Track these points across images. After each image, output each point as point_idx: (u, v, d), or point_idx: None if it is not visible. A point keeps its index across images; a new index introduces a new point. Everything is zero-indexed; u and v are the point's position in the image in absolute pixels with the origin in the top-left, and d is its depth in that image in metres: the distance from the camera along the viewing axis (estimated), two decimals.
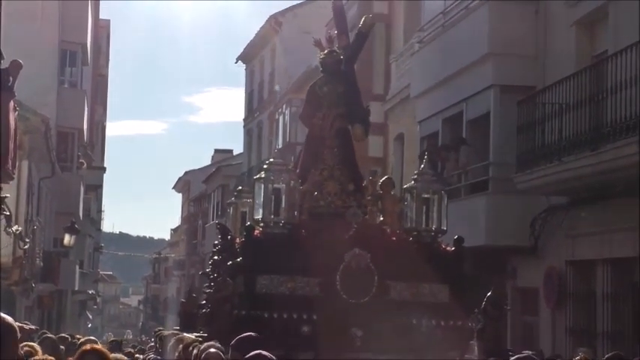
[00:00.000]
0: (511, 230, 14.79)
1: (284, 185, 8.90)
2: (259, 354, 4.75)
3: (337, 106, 9.72)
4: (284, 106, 32.95)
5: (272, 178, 8.92)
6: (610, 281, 12.94)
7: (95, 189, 41.62)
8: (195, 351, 6.84)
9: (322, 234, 8.83)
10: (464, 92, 16.42)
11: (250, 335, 5.68)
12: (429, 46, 18.18)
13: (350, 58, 10.06)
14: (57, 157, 25.82)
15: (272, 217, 8.82)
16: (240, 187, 12.39)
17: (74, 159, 30.30)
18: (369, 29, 10.30)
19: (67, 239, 25.70)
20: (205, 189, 47.91)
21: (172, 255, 64.81)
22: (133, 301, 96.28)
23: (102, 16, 41.14)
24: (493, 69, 15.46)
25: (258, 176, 9.08)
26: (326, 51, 9.97)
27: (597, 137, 12.12)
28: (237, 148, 45.39)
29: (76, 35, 29.59)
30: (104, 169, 44.41)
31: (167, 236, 77.06)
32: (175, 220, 68.03)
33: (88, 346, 4.99)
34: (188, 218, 55.57)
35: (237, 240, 9.39)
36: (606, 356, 8.87)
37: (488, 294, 9.68)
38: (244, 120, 41.64)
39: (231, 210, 10.98)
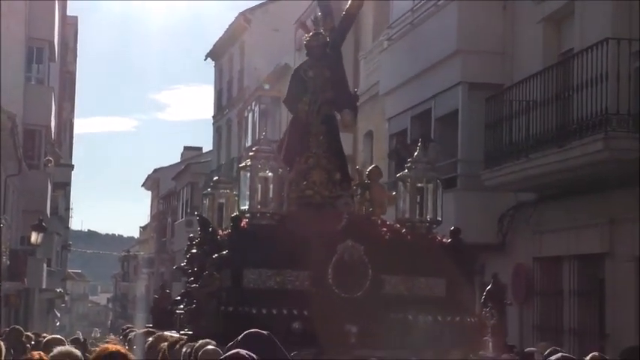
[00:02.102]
0: (479, 227, 14.84)
1: (271, 174, 8.43)
2: (237, 353, 4.47)
3: (323, 91, 9.34)
4: (253, 104, 32.87)
5: (259, 166, 8.43)
6: (577, 277, 13.03)
7: (63, 187, 41.27)
8: (184, 349, 6.43)
9: (313, 225, 8.41)
10: (432, 89, 16.45)
11: (259, 332, 5.07)
12: (398, 44, 18.20)
13: (336, 42, 9.63)
14: (24, 154, 25.58)
15: (259, 207, 8.35)
16: (216, 177, 11.83)
17: (41, 156, 30.03)
18: (357, 10, 9.93)
19: (35, 237, 25.48)
20: (174, 186, 47.70)
21: (141, 253, 64.49)
22: (102, 299, 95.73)
23: (69, 12, 40.86)
24: (461, 66, 15.50)
25: (243, 164, 8.63)
26: (311, 33, 9.55)
27: (564, 134, 12.19)
28: (207, 145, 45.27)
29: (43, 32, 29.32)
30: (72, 167, 44.08)
31: (136, 234, 76.76)
32: (144, 218, 67.78)
33: (111, 347, 4.51)
34: (157, 216, 55.31)
35: (220, 232, 8.98)
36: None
37: (488, 287, 9.29)
38: (213, 117, 41.50)
39: (207, 201, 10.48)
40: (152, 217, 59.52)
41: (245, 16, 35.65)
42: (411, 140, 17.29)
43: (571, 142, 11.82)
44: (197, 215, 10.31)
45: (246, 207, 8.44)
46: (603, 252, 12.39)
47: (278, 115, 31.53)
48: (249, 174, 8.46)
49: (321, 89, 9.35)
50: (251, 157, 8.56)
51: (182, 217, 43.81)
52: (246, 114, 34.02)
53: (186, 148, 53.44)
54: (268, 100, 32.14)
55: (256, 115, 32.37)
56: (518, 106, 13.47)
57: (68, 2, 39.04)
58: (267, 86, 31.09)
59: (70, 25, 41.85)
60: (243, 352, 4.41)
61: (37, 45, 29.35)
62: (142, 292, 59.65)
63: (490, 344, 8.61)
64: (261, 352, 4.40)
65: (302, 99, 9.40)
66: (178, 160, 52.93)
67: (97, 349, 4.79)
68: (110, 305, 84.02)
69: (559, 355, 5.60)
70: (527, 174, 13.04)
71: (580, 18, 13.19)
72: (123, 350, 4.59)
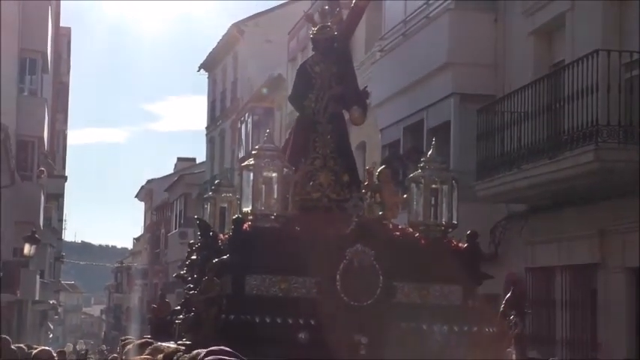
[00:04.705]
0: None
1: (276, 174, 7.89)
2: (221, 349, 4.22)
3: (331, 87, 8.82)
4: (246, 115, 32.93)
5: (262, 165, 7.88)
6: (569, 288, 13.06)
7: (56, 198, 41.24)
8: None
9: (320, 228, 7.85)
10: (424, 101, 16.51)
11: (224, 350, 4.66)
12: (390, 55, 18.26)
13: (344, 35, 9.11)
14: (17, 165, 25.57)
15: (262, 209, 7.81)
16: (218, 181, 11.35)
17: (34, 168, 30.01)
18: (367, 2, 9.20)
19: (27, 249, 25.43)
20: (168, 197, 47.69)
21: (135, 264, 64.39)
22: (96, 310, 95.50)
23: (63, 23, 40.86)
24: (453, 78, 15.57)
25: (246, 163, 8.12)
26: (318, 26, 8.99)
27: (555, 145, 12.24)
28: (201, 156, 45.29)
29: (36, 43, 29.34)
30: (65, 178, 44.05)
31: (130, 245, 76.60)
32: (138, 229, 67.71)
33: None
34: (151, 227, 55.26)
35: (222, 236, 8.47)
36: None
37: (508, 296, 8.86)
38: (207, 128, 41.55)
39: (208, 206, 9.90)
40: (146, 228, 59.46)
41: (238, 28, 35.75)
42: (404, 151, 17.37)
43: (562, 153, 11.88)
44: (197, 219, 9.65)
45: (249, 209, 7.89)
46: (595, 262, 12.44)
47: (271, 126, 31.56)
48: (252, 174, 7.90)
49: (328, 85, 8.83)
50: (254, 156, 8.00)
51: (175, 229, 43.80)
52: (239, 125, 34.07)
53: (179, 159, 53.44)
54: (261, 111, 32.21)
55: (249, 126, 32.42)
56: (509, 117, 13.53)
57: (61, 13, 39.09)
58: (265, 90, 31.08)
59: (63, 36, 41.88)
60: (226, 349, 4.20)
61: (30, 56, 29.36)
62: (135, 303, 59.54)
63: (513, 355, 8.25)
64: None
65: (308, 96, 8.88)
66: (172, 171, 52.94)
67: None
68: (104, 317, 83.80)
69: None
70: (519, 185, 13.08)
71: (570, 30, 13.27)
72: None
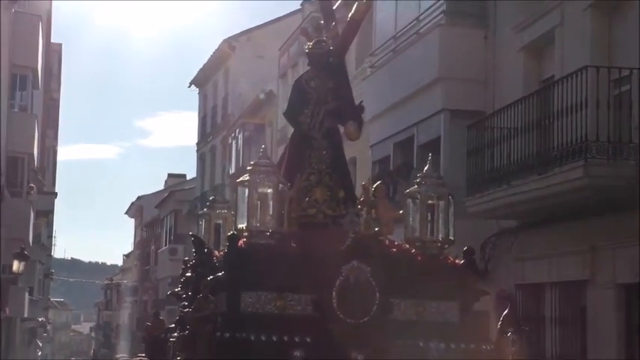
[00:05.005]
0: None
1: (271, 190, 7.86)
2: None
3: (326, 102, 8.78)
4: (237, 131, 32.91)
5: (258, 181, 7.85)
6: (558, 305, 13.04)
7: (46, 214, 41.05)
8: None
9: (315, 244, 7.83)
10: (414, 117, 16.52)
11: None
12: (380, 71, 18.28)
13: (340, 50, 9.04)
14: (6, 181, 25.44)
15: (257, 225, 7.79)
16: (212, 197, 11.27)
17: (24, 184, 29.87)
18: (362, 16, 9.12)
19: (16, 266, 25.30)
20: (158, 214, 47.57)
21: (125, 281, 64.16)
22: (85, 328, 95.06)
23: (54, 39, 40.84)
24: (443, 94, 15.58)
25: (241, 179, 8.07)
26: (313, 41, 8.98)
27: (545, 161, 12.24)
28: (191, 172, 45.21)
29: (27, 59, 29.24)
30: (55, 194, 43.88)
31: (120, 262, 76.35)
32: (128, 246, 67.48)
33: None
34: (141, 243, 55.11)
35: (217, 253, 8.47)
36: None
37: (505, 312, 8.63)
38: (197, 144, 41.51)
39: (203, 222, 9.84)
40: (135, 244, 59.29)
41: (229, 43, 35.79)
42: (394, 167, 17.36)
43: (552, 169, 11.88)
44: (192, 236, 9.52)
45: (244, 225, 7.86)
46: (585, 279, 12.42)
47: (262, 142, 31.53)
48: (247, 190, 7.87)
49: (324, 100, 8.80)
50: (249, 172, 8.00)
51: (166, 245, 43.66)
52: (230, 141, 34.05)
53: (170, 176, 53.33)
54: (252, 128, 32.20)
55: (240, 142, 32.40)
56: (499, 133, 13.54)
57: (52, 29, 39.06)
58: (262, 96, 30.98)
59: (54, 52, 41.82)
60: None
61: (21, 72, 29.26)
62: (125, 320, 59.29)
63: None
64: None
65: (303, 111, 8.85)
66: (162, 187, 52.84)
67: None
68: (93, 334, 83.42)
69: None
70: (509, 201, 13.07)
71: (560, 46, 13.31)
72: None
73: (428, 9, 16.64)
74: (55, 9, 40.49)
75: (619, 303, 11.82)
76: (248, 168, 8.14)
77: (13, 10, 27.69)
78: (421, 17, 16.95)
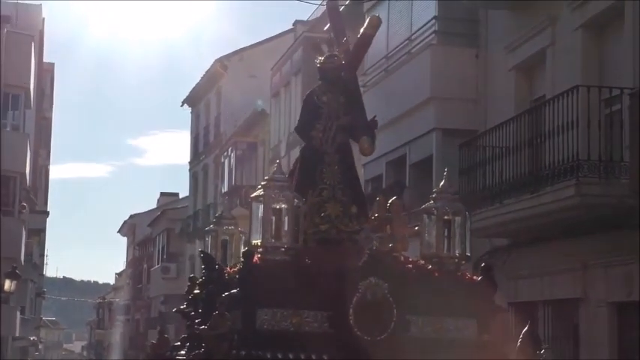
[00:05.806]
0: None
1: (286, 205, 7.75)
2: None
3: (338, 117, 8.71)
4: (229, 149, 32.94)
5: (272, 196, 7.75)
6: (551, 323, 13.06)
7: (38, 233, 40.98)
8: None
9: (331, 261, 7.75)
10: (407, 136, 16.58)
11: None
12: (373, 90, 18.33)
13: (352, 64, 9.01)
14: None
15: (272, 241, 7.69)
16: (219, 212, 11.16)
17: (16, 203, 29.85)
18: (374, 31, 9.07)
19: (8, 285, 25.23)
20: (150, 232, 47.51)
21: (117, 299, 63.97)
22: (77, 347, 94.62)
23: (46, 59, 40.87)
24: (435, 113, 15.66)
25: (255, 194, 7.99)
26: (325, 55, 8.90)
27: (536, 180, 12.30)
28: (184, 191, 45.20)
29: (19, 79, 29.31)
30: (47, 213, 43.81)
31: (112, 280, 76.15)
32: (120, 264, 67.35)
33: None
34: (133, 262, 55.00)
35: (229, 270, 8.39)
36: None
37: (524, 330, 8.46)
38: (190, 163, 41.53)
39: (209, 238, 9.73)
40: (128, 263, 59.17)
41: (222, 63, 35.88)
42: (386, 186, 17.41)
43: (543, 188, 11.94)
44: (201, 252, 9.46)
45: (259, 241, 7.73)
46: (577, 297, 12.45)
47: (254, 161, 31.60)
48: (262, 205, 7.73)
49: (335, 115, 8.71)
50: (264, 187, 7.88)
51: (158, 264, 43.59)
52: (222, 160, 34.08)
53: (162, 194, 53.32)
54: (245, 146, 32.25)
55: (232, 160, 32.41)
56: (491, 152, 13.60)
57: (45, 49, 39.11)
58: (260, 102, 30.98)
59: (46, 72, 41.85)
60: None
61: (13, 92, 29.30)
62: (117, 339, 59.07)
63: None
64: None
65: (315, 125, 8.73)
66: (154, 206, 52.79)
67: None
68: (85, 353, 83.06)
69: None
70: (501, 219, 13.12)
71: (551, 66, 13.40)
72: None
73: (420, 29, 16.75)
74: (47, 28, 40.47)
75: (611, 321, 11.85)
76: (262, 183, 8.07)
77: (6, 30, 27.75)
78: (413, 37, 17.05)
